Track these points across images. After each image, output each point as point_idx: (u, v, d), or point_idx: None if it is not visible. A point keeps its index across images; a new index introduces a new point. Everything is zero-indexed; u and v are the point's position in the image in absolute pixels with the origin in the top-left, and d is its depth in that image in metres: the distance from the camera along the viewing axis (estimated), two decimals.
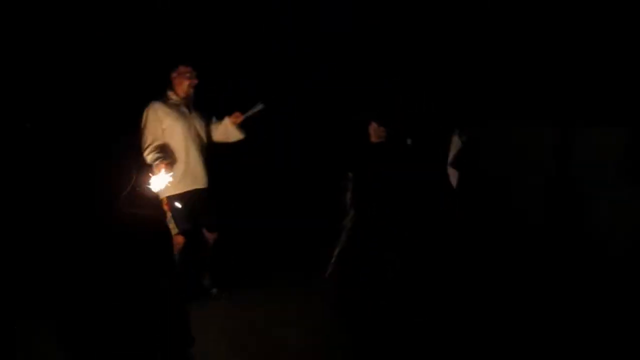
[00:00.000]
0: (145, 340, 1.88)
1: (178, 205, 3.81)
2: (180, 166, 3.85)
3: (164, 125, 3.86)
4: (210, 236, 4.18)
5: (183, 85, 3.96)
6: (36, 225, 4.49)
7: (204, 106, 4.14)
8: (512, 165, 5.13)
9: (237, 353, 3.46)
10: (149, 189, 3.57)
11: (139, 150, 3.79)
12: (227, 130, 4.15)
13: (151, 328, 1.88)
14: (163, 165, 3.66)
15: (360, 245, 2.96)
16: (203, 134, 4.06)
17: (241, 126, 4.16)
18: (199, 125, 4.04)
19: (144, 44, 5.55)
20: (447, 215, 2.94)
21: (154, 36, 5.59)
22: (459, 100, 5.29)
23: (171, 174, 3.62)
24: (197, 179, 3.97)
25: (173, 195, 3.81)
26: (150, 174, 3.68)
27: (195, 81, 3.98)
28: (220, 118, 4.18)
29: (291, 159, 6.16)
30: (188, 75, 3.95)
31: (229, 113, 4.17)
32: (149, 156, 3.76)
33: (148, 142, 3.80)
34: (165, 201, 3.86)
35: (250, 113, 4.11)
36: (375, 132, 3.07)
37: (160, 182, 3.53)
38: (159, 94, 3.98)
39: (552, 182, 4.80)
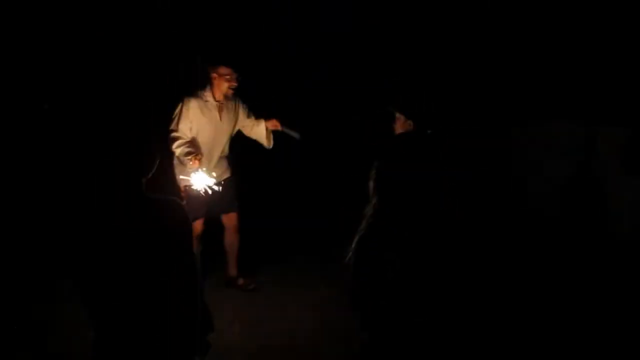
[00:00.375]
0: (161, 326, 1.88)
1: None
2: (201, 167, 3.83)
3: (192, 126, 3.85)
4: (228, 221, 4.16)
5: (222, 87, 3.86)
6: (55, 208, 4.52)
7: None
8: (525, 164, 5.13)
9: (247, 338, 3.56)
10: (177, 178, 3.77)
11: (165, 137, 3.79)
12: (260, 134, 4.12)
13: (168, 314, 1.88)
14: (197, 161, 3.67)
15: (363, 242, 2.95)
16: (228, 139, 4.05)
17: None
18: (227, 130, 4.00)
19: (144, 42, 5.59)
20: (447, 215, 2.93)
21: (154, 34, 5.62)
22: (459, 99, 5.30)
23: (204, 169, 3.65)
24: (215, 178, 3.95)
25: (190, 186, 3.78)
26: (175, 163, 3.87)
27: (235, 84, 3.88)
28: None
29: (291, 159, 6.16)
30: (228, 77, 3.84)
31: None
32: (178, 150, 3.76)
33: (177, 134, 3.80)
34: (182, 189, 3.87)
35: (286, 130, 4.07)
36: (402, 124, 3.06)
37: (201, 180, 3.57)
38: (198, 88, 3.92)
39: (573, 181, 4.82)
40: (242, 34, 5.98)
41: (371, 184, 2.91)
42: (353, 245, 2.94)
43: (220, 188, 3.85)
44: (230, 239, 4.21)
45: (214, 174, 3.73)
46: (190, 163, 3.69)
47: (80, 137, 4.92)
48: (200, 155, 3.75)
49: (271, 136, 4.14)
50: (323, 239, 4.98)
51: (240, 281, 4.27)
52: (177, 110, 3.85)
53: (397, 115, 3.05)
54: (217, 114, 3.92)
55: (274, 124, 4.09)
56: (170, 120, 3.86)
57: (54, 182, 4.86)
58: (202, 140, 3.89)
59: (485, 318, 3.52)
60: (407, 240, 2.84)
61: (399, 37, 5.94)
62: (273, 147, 4.21)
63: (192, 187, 3.62)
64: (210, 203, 3.89)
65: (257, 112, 4.19)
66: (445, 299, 2.94)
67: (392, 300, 2.87)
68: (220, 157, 4.03)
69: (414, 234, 2.85)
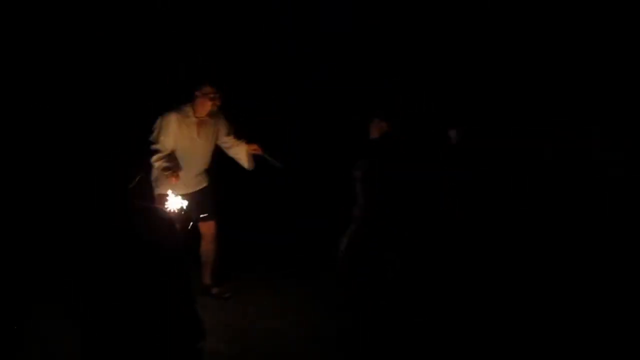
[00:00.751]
0: (155, 333, 1.88)
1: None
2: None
3: (171, 139, 3.85)
4: (206, 229, 4.12)
5: (205, 106, 3.87)
6: (55, 209, 4.52)
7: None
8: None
9: (228, 345, 3.53)
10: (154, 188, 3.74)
11: (146, 149, 3.79)
12: (239, 155, 4.11)
13: (161, 321, 1.88)
14: (174, 178, 3.68)
15: (362, 242, 2.96)
16: (209, 154, 4.04)
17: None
18: (205, 146, 4.00)
19: (144, 42, 5.59)
20: (447, 215, 2.94)
21: (154, 34, 5.63)
22: (459, 100, 5.30)
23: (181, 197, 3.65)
24: (189, 188, 3.91)
25: (165, 194, 3.76)
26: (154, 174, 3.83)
27: (218, 103, 3.88)
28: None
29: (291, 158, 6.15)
30: (212, 96, 3.84)
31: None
32: (157, 163, 3.78)
33: (157, 147, 3.81)
34: (157, 197, 3.87)
35: (268, 158, 4.06)
36: (378, 128, 3.06)
37: (175, 203, 3.57)
38: (180, 103, 3.92)
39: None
40: (242, 34, 5.99)
41: (358, 184, 2.91)
42: (342, 247, 2.95)
43: (192, 196, 3.82)
44: (207, 247, 4.16)
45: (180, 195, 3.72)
46: (168, 179, 3.70)
47: (81, 137, 4.92)
48: (177, 171, 3.75)
49: (252, 159, 4.11)
50: (315, 240, 4.96)
51: (215, 290, 4.21)
52: (157, 123, 3.85)
53: (374, 119, 3.07)
54: (195, 129, 3.91)
55: (255, 149, 4.07)
56: (151, 130, 3.84)
57: (53, 183, 4.87)
58: (180, 155, 3.89)
59: (485, 317, 3.52)
60: (408, 240, 2.84)
61: (399, 37, 5.94)
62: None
63: (167, 198, 3.64)
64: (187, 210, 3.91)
65: (257, 114, 4.17)
66: (445, 298, 2.95)
67: (392, 299, 2.87)
68: (195, 178, 4.01)
69: (414, 234, 2.86)
